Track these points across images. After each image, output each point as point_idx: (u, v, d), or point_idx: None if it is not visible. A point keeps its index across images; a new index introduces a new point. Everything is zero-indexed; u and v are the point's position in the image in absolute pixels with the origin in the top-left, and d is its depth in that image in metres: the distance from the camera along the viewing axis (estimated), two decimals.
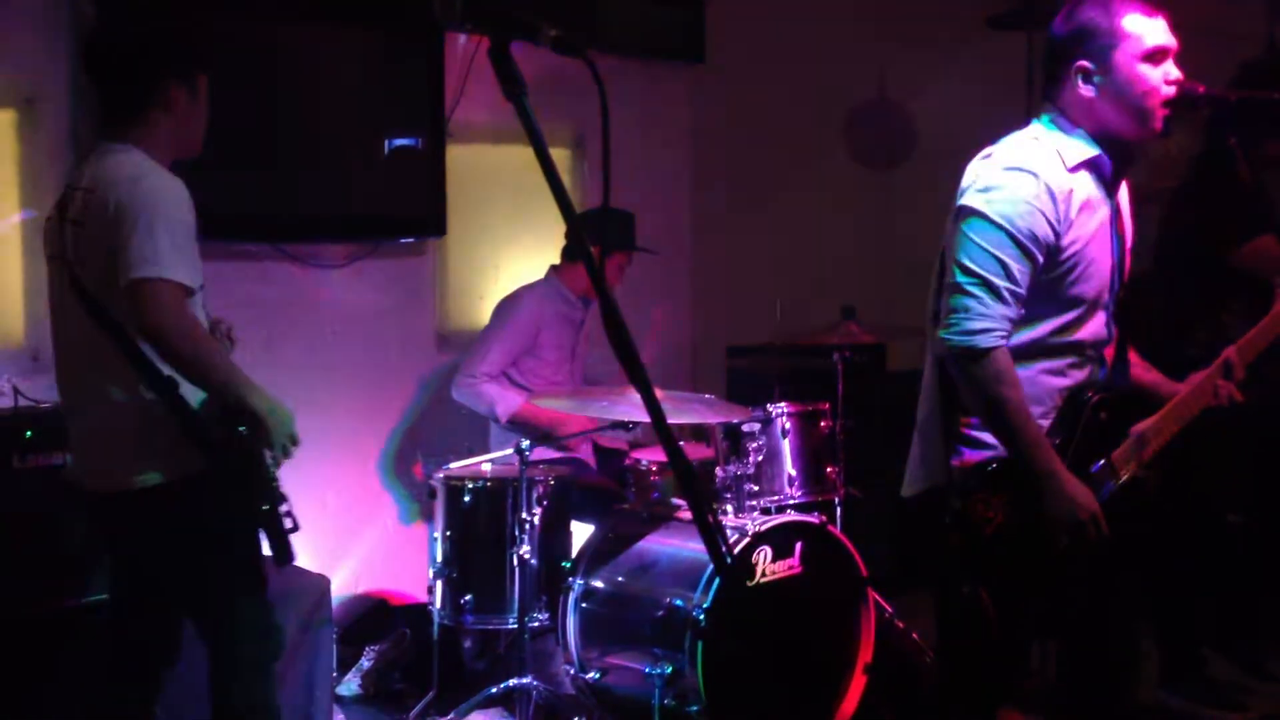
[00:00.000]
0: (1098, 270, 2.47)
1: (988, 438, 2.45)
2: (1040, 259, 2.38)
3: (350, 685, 4.02)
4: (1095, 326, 2.51)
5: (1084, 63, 2.42)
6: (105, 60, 2.77)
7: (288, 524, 2.67)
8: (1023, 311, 2.39)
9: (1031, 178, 2.37)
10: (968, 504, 2.39)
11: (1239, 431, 3.56)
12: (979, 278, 2.35)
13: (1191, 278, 3.82)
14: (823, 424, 3.94)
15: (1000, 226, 2.35)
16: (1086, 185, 2.45)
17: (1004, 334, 2.36)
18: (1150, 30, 2.41)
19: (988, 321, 2.34)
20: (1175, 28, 2.46)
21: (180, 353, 2.53)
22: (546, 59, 1.62)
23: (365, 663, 4.07)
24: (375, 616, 4.39)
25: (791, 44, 5.60)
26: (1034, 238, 2.36)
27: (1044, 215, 2.37)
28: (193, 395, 2.61)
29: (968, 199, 2.41)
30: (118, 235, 2.54)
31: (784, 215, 5.61)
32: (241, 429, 2.59)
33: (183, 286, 2.54)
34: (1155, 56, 2.41)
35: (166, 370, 2.58)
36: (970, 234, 2.38)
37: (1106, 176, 2.49)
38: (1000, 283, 2.35)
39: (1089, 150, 2.45)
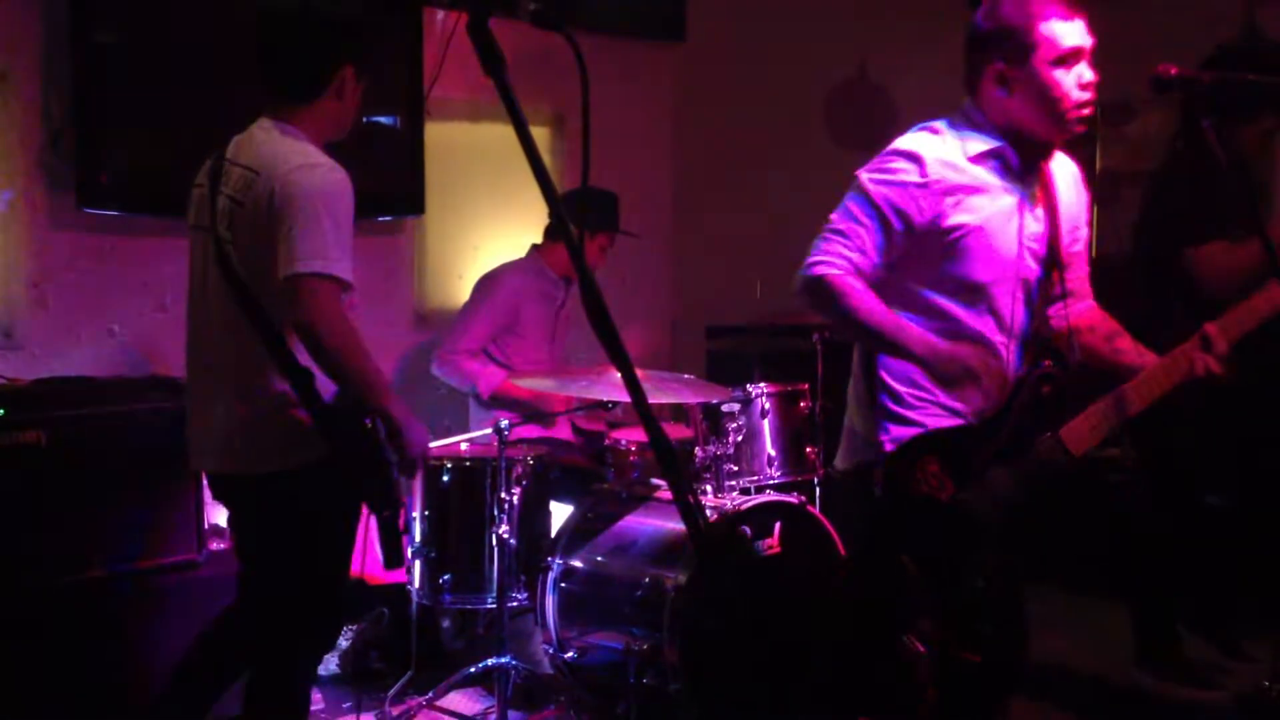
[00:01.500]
0: (992, 256, 2.55)
1: (910, 414, 2.54)
2: (895, 226, 2.51)
3: (328, 665, 4.01)
4: (1004, 313, 2.58)
5: (999, 65, 2.52)
6: (290, 36, 2.72)
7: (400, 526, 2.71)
8: (865, 264, 2.51)
9: (908, 160, 2.51)
10: (893, 476, 2.48)
11: (1222, 413, 3.58)
12: (835, 229, 2.53)
13: (1168, 263, 3.82)
14: (802, 404, 3.95)
15: (867, 195, 2.52)
16: (986, 175, 2.54)
17: (843, 269, 2.50)
18: (1065, 33, 2.48)
19: (826, 256, 2.52)
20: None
21: (331, 352, 2.52)
22: (527, 37, 1.61)
23: (343, 642, 4.05)
24: (353, 596, 4.38)
25: (773, 24, 5.58)
26: (894, 208, 2.50)
27: (909, 192, 2.49)
28: (325, 387, 2.60)
29: (858, 173, 2.57)
30: (282, 224, 2.50)
31: (764, 195, 5.60)
32: (368, 421, 2.61)
33: (343, 283, 2.53)
34: (1068, 60, 2.48)
35: (304, 360, 2.57)
36: (845, 198, 2.56)
37: (1014, 167, 2.57)
38: (847, 227, 2.51)
39: (991, 143, 2.55)
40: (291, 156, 2.58)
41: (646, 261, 5.26)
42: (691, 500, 1.56)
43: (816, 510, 3.70)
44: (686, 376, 3.85)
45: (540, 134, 5.15)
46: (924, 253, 2.54)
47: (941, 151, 2.54)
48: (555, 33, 1.47)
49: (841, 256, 2.52)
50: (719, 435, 3.72)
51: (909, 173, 2.52)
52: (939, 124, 2.61)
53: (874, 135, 5.85)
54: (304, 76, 2.69)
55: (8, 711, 3.12)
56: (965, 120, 2.60)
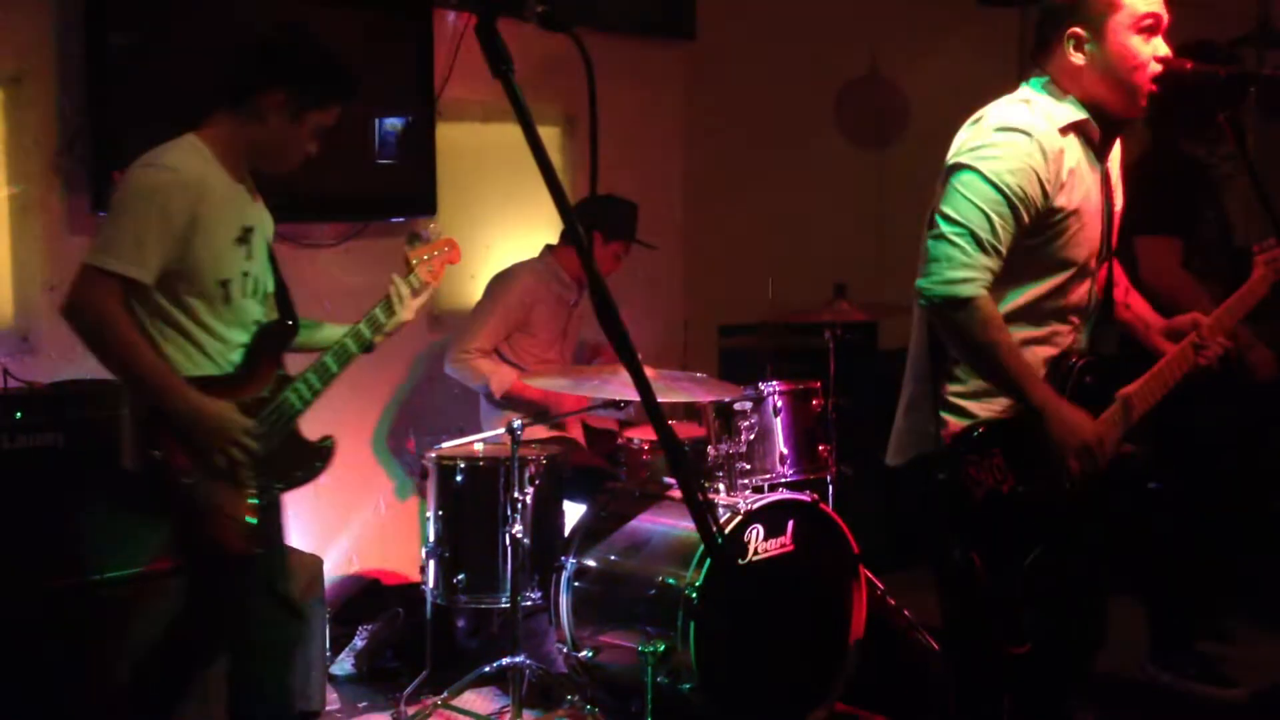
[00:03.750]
0: (1088, 235, 2.48)
1: (974, 407, 2.47)
2: (1027, 220, 2.39)
3: (344, 665, 4.02)
4: (1081, 292, 2.52)
5: (1077, 29, 2.42)
6: (240, 49, 2.73)
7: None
8: (1001, 267, 2.39)
9: (1025, 137, 2.38)
10: (956, 469, 2.41)
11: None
12: (964, 227, 2.36)
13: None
14: (814, 402, 3.94)
15: (992, 183, 2.36)
16: (1076, 149, 2.45)
17: (985, 284, 2.37)
18: (1144, 1, 2.41)
19: (970, 270, 2.35)
20: (1165, 3, 2.45)
21: (91, 344, 2.53)
22: (537, 38, 1.61)
23: (359, 642, 4.07)
24: (368, 596, 4.40)
25: (783, 21, 5.57)
26: (1025, 198, 2.37)
27: (1037, 175, 2.37)
28: None
29: (960, 156, 2.42)
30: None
31: (776, 193, 5.60)
32: (156, 453, 2.55)
33: (122, 280, 2.51)
34: (1147, 28, 2.41)
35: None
36: (959, 187, 2.39)
37: (1095, 142, 2.50)
38: (984, 235, 2.36)
39: (1077, 114, 2.45)
40: (145, 155, 2.61)
41: (658, 261, 5.25)
42: (702, 499, 1.56)
43: (829, 508, 3.70)
44: (699, 375, 3.85)
45: (551, 135, 5.15)
46: (1025, 234, 2.41)
47: (1043, 125, 2.40)
48: (563, 34, 1.47)
49: (985, 270, 2.36)
50: (731, 434, 3.71)
51: (1031, 154, 2.36)
52: (1025, 91, 2.49)
53: (885, 132, 5.92)
54: (225, 82, 2.69)
55: (22, 712, 3.14)
56: (1045, 90, 2.47)
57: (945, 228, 2.38)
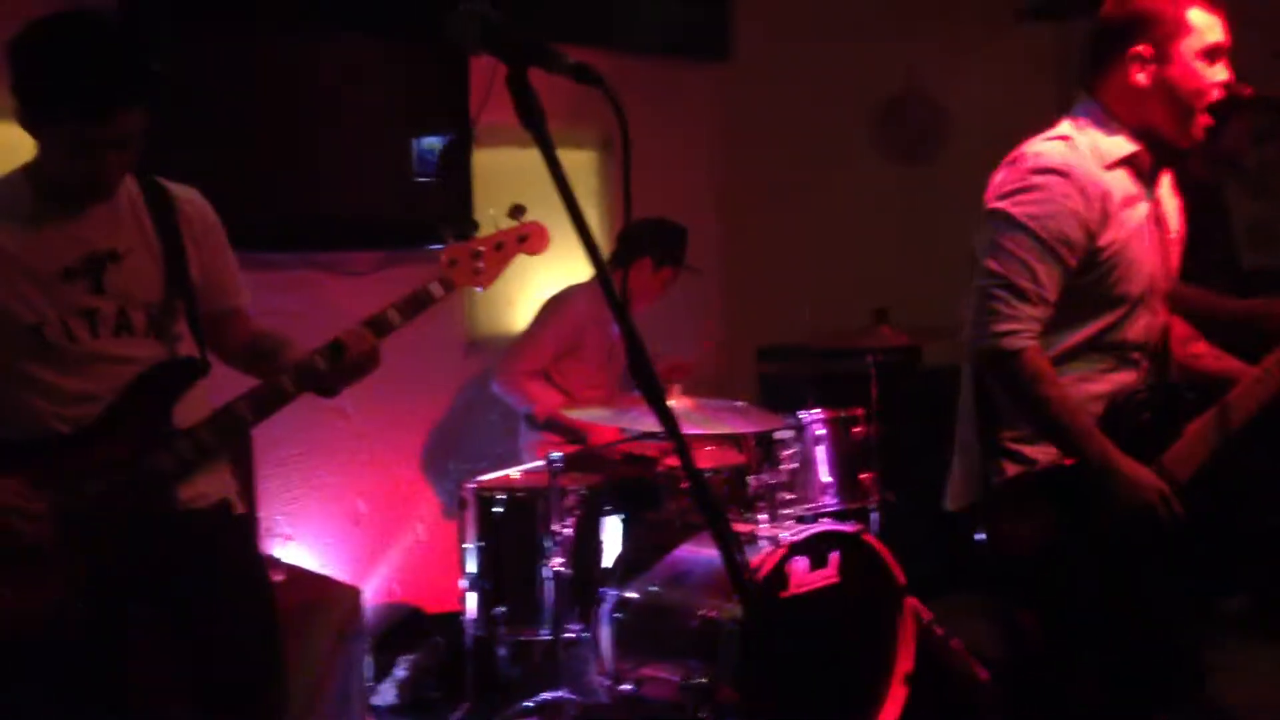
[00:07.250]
0: (1140, 269, 2.41)
1: (1033, 452, 2.40)
2: (1071, 262, 2.33)
3: (386, 695, 4.02)
4: (1140, 327, 2.45)
5: (1142, 48, 2.35)
6: None
7: None
8: (1050, 313, 2.34)
9: (1061, 178, 2.33)
10: (1002, 523, 2.34)
11: None
12: (1004, 279, 2.32)
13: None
14: (856, 430, 3.88)
15: (1027, 228, 2.31)
16: (1124, 182, 2.39)
17: (1032, 335, 2.31)
18: (1211, 26, 2.35)
19: (1014, 323, 2.30)
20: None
21: None
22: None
23: (400, 672, 4.07)
24: (409, 625, 4.39)
25: (818, 39, 5.53)
26: (1067, 241, 2.32)
27: (1077, 217, 2.31)
28: None
29: (996, 202, 2.37)
30: None
31: (814, 214, 5.55)
32: None
33: None
34: (1213, 54, 2.35)
35: None
36: (997, 237, 2.34)
37: (1145, 171, 2.43)
38: (1026, 284, 2.31)
39: (1127, 146, 2.39)
40: None
41: (695, 283, 5.22)
42: (731, 537, 1.53)
43: (874, 538, 3.64)
44: (739, 404, 3.81)
45: (588, 158, 5.14)
46: (1075, 274, 2.35)
47: (1085, 162, 2.34)
48: (595, 87, 1.45)
49: (1032, 320, 2.30)
50: (773, 463, 3.66)
51: (1070, 195, 2.31)
52: (1064, 129, 2.42)
53: (923, 149, 5.85)
54: None
55: None
56: (1090, 120, 2.40)
57: (987, 280, 2.34)
